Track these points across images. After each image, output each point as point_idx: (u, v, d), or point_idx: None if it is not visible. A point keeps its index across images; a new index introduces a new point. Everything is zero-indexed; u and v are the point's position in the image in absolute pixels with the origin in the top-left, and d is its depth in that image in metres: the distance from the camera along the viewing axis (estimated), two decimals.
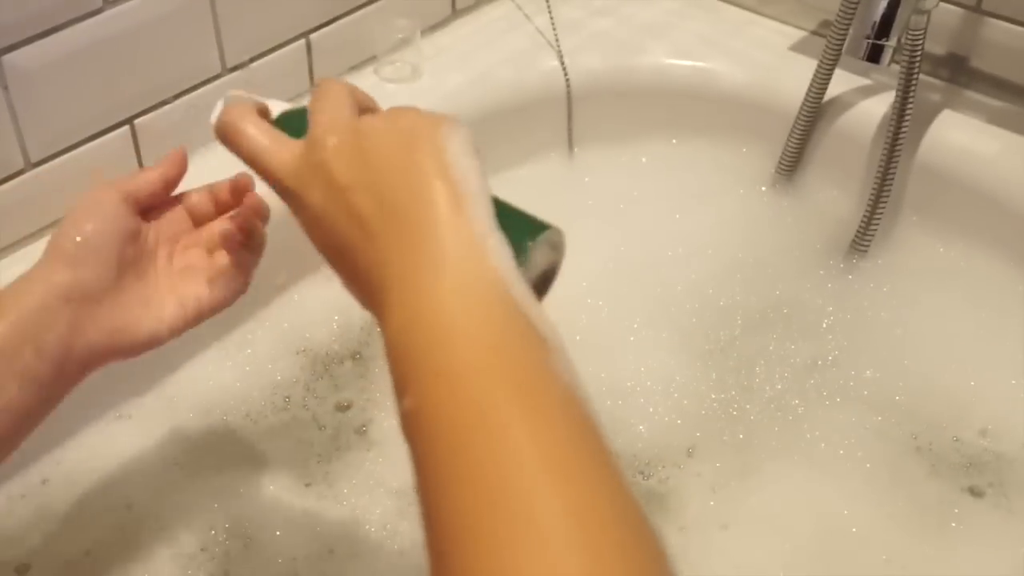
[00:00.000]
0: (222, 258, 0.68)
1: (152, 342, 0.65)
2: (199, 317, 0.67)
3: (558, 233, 0.52)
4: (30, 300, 0.61)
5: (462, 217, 0.48)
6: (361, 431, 0.90)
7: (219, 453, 0.87)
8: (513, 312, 0.46)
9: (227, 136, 0.58)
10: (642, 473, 0.88)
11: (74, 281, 0.62)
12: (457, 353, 0.45)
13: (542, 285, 0.53)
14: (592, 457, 0.43)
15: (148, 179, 0.66)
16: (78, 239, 0.62)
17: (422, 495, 0.43)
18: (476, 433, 0.42)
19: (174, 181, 0.68)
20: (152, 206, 0.67)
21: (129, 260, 0.65)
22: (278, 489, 0.85)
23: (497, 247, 0.48)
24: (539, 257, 0.51)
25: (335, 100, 0.55)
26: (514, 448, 0.42)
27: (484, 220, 0.48)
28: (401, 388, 0.46)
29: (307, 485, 0.86)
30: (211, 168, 0.95)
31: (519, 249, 0.50)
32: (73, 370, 0.62)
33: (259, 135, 0.57)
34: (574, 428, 0.43)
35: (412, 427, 0.45)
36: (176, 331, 0.66)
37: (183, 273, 0.67)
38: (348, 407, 0.91)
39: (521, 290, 0.47)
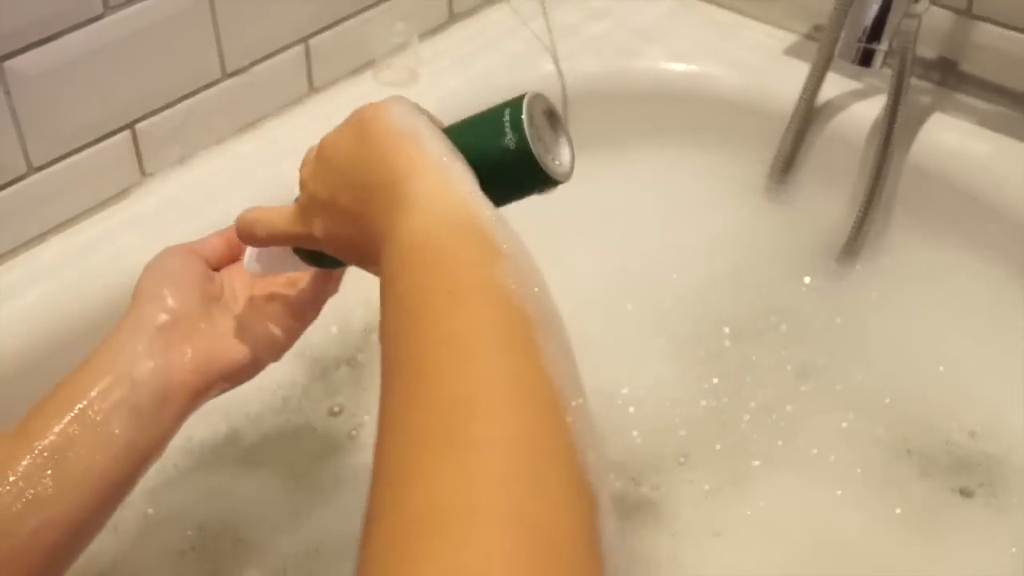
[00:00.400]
0: (303, 279, 0.71)
1: (253, 366, 0.68)
2: (293, 336, 0.70)
3: (521, 98, 0.57)
4: (121, 336, 0.64)
5: (422, 161, 0.54)
6: (351, 436, 0.91)
7: (214, 452, 0.88)
8: (470, 231, 0.50)
9: (243, 230, 0.65)
10: (634, 480, 0.88)
11: (161, 314, 0.65)
12: (410, 272, 0.50)
13: (552, 125, 0.58)
14: (516, 375, 0.44)
15: (213, 244, 0.71)
16: (158, 279, 0.67)
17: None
18: (409, 336, 0.47)
19: (238, 245, 0.70)
20: (222, 266, 0.71)
21: (212, 295, 0.68)
22: (269, 489, 0.86)
23: (459, 175, 0.53)
24: (527, 120, 0.56)
25: (306, 154, 0.62)
26: (434, 355, 0.45)
27: (442, 155, 0.54)
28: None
29: (297, 486, 0.86)
30: (212, 172, 0.97)
31: (506, 129, 0.56)
32: (177, 402, 0.64)
33: (260, 213, 0.65)
34: (496, 335, 0.46)
35: (381, 342, 0.49)
36: (275, 352, 0.69)
37: (269, 298, 0.70)
38: (340, 412, 0.92)
39: (482, 210, 0.52)
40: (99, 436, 0.61)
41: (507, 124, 0.56)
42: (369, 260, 0.56)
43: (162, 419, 0.64)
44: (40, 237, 0.90)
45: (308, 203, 0.60)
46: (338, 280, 0.72)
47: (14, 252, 0.89)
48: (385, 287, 0.51)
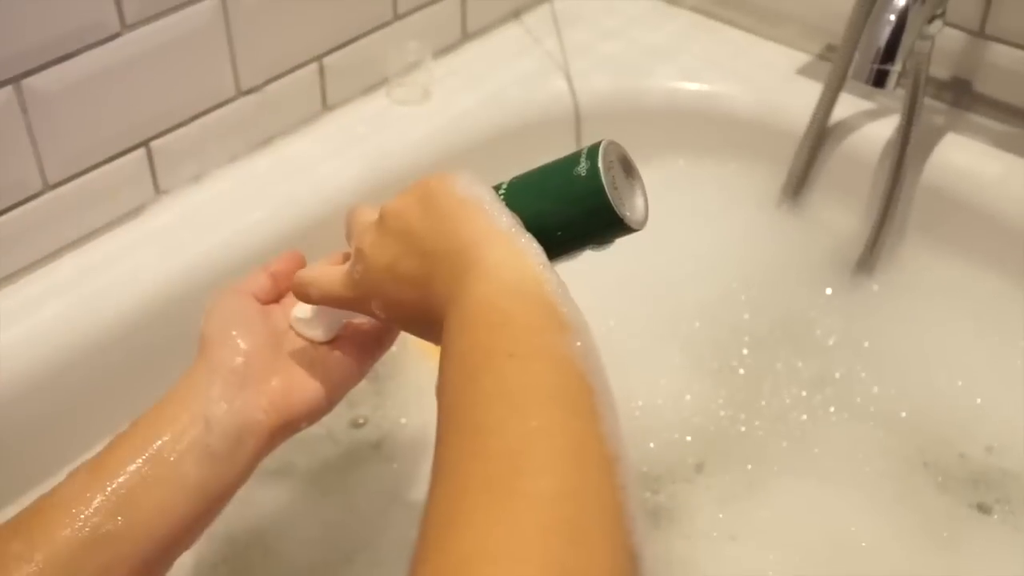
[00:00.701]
0: None
1: (329, 401, 0.68)
2: (367, 362, 0.70)
3: (597, 145, 0.58)
4: (196, 379, 0.65)
5: (490, 230, 0.55)
6: (377, 446, 0.91)
7: None
8: (537, 300, 0.52)
9: (298, 291, 0.66)
10: (652, 489, 0.88)
11: (236, 357, 0.65)
12: (473, 332, 0.51)
13: (626, 169, 0.59)
14: (572, 434, 0.46)
15: (261, 282, 0.71)
16: (224, 323, 0.67)
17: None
18: (467, 392, 0.49)
19: (282, 274, 0.71)
20: (270, 301, 0.71)
21: (278, 332, 0.68)
22: (296, 501, 0.86)
23: (528, 246, 0.55)
24: (600, 167, 0.57)
25: (358, 215, 0.64)
26: (491, 409, 0.47)
27: (510, 225, 0.55)
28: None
29: (325, 497, 0.87)
30: (226, 190, 0.98)
31: (580, 164, 0.57)
32: (252, 443, 0.64)
33: (316, 276, 0.65)
34: (555, 396, 0.48)
35: (438, 398, 0.51)
36: (350, 383, 0.69)
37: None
38: (363, 424, 0.92)
39: (550, 282, 0.53)
40: (172, 476, 0.61)
41: (582, 160, 0.57)
42: (429, 327, 0.57)
43: (236, 460, 0.64)
44: (55, 254, 0.91)
45: (367, 271, 0.61)
46: None
47: (30, 268, 0.89)
48: (446, 347, 0.52)
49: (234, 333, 0.66)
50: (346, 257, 0.66)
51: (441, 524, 0.43)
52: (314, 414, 0.67)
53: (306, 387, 0.67)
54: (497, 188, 0.60)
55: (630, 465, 0.46)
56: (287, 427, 0.66)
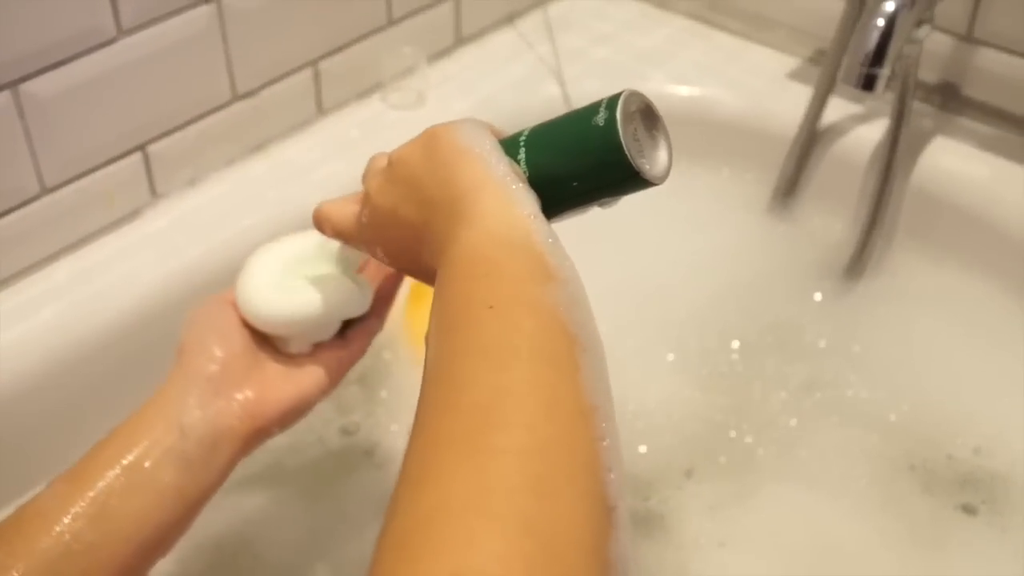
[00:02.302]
0: None
1: (302, 407, 0.69)
2: (341, 371, 0.71)
3: (618, 95, 0.56)
4: (171, 388, 0.66)
5: (485, 179, 0.54)
6: (368, 453, 0.91)
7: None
8: (524, 251, 0.51)
9: (317, 222, 0.67)
10: (642, 495, 0.89)
11: (210, 365, 0.66)
12: (458, 283, 0.51)
13: (649, 121, 0.57)
14: (545, 387, 0.45)
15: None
16: (201, 331, 0.68)
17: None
18: (446, 344, 0.48)
19: None
20: None
21: (257, 342, 0.69)
22: (286, 508, 0.86)
23: (521, 196, 0.54)
24: (619, 116, 0.54)
25: (373, 161, 0.64)
26: (467, 363, 0.47)
27: (505, 175, 0.55)
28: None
29: (315, 504, 0.87)
30: (222, 194, 0.98)
31: (599, 113, 0.55)
32: (226, 449, 0.65)
33: (331, 212, 0.66)
34: (533, 347, 0.47)
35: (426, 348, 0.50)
36: (324, 389, 0.70)
37: None
38: (355, 431, 0.93)
39: (540, 233, 0.52)
40: (149, 484, 0.63)
41: (601, 109, 0.55)
42: (428, 275, 0.57)
43: (211, 466, 0.65)
44: (52, 257, 0.91)
45: (372, 214, 0.61)
46: (383, 316, 0.74)
47: (26, 272, 0.90)
48: (435, 296, 0.52)
49: (210, 341, 0.68)
50: None
51: (411, 480, 0.43)
52: (286, 421, 0.69)
53: (280, 395, 0.68)
54: (517, 136, 0.59)
55: (610, 415, 0.46)
56: (261, 433, 0.67)
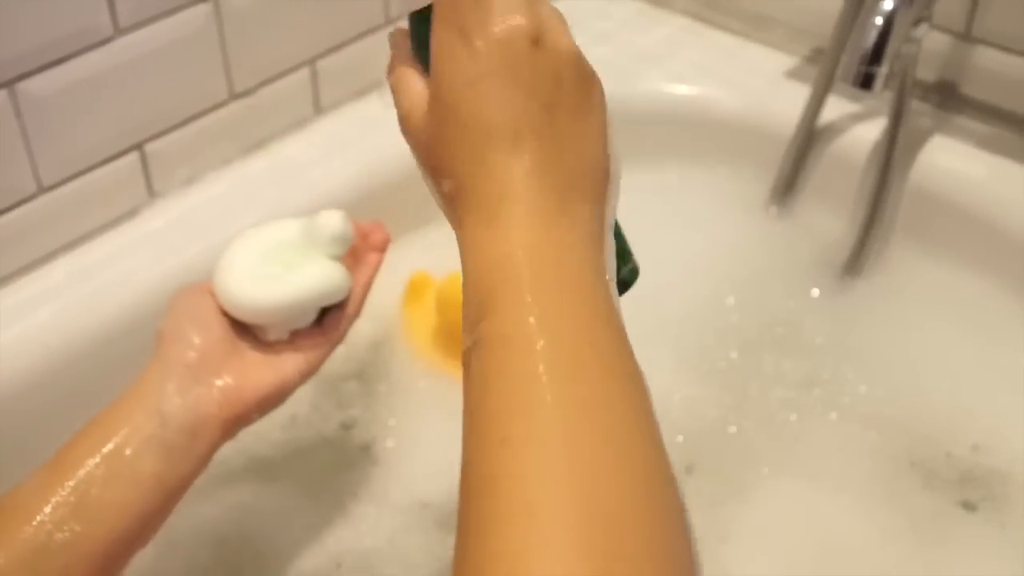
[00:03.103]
0: None
1: (280, 392, 0.69)
2: (319, 358, 0.71)
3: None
4: (150, 376, 0.66)
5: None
6: (366, 448, 0.91)
7: (231, 470, 0.88)
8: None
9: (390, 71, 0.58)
10: None
11: (188, 352, 0.66)
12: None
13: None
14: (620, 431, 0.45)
15: None
16: (180, 318, 0.68)
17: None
18: (503, 378, 0.46)
19: None
20: None
21: (236, 328, 0.69)
22: (288, 504, 0.86)
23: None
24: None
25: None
26: (542, 420, 0.45)
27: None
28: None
29: (316, 500, 0.87)
30: (219, 193, 0.98)
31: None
32: (206, 436, 0.65)
33: (399, 79, 0.57)
34: (611, 399, 0.46)
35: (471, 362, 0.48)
36: (303, 375, 0.70)
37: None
38: (352, 426, 0.93)
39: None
40: (129, 472, 0.62)
41: None
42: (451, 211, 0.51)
43: (191, 454, 0.65)
44: (49, 256, 0.91)
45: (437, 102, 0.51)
46: (361, 303, 0.74)
47: (24, 271, 0.90)
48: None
49: (188, 329, 0.68)
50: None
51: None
52: (265, 407, 0.69)
53: (259, 382, 0.68)
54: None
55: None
56: (240, 419, 0.67)
